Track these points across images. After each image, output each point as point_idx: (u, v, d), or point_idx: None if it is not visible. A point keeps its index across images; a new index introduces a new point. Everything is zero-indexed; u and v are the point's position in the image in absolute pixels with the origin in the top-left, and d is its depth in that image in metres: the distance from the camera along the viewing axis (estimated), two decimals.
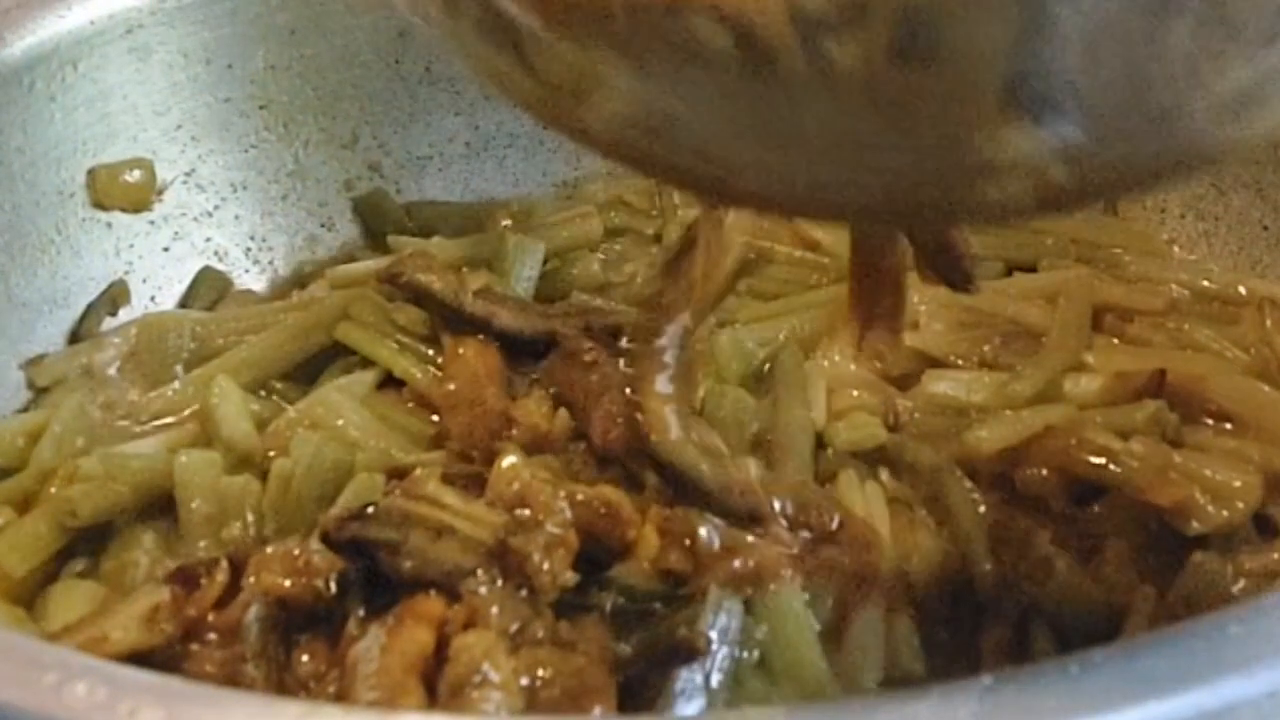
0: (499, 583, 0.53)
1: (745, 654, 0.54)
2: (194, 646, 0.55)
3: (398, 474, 0.62)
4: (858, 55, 0.42)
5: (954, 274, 0.60)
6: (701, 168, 0.47)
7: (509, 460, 0.59)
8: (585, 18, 0.44)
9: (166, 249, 0.82)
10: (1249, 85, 0.42)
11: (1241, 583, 0.58)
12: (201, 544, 0.62)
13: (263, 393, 0.72)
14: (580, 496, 0.57)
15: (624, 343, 0.68)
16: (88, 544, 0.64)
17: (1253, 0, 0.41)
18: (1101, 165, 0.45)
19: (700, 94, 0.45)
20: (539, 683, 0.51)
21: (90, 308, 0.79)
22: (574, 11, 0.45)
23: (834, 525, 0.59)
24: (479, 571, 0.53)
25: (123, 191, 0.80)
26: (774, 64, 0.43)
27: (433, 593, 0.53)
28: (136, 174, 0.81)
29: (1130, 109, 0.43)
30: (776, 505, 0.59)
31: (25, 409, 0.74)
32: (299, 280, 0.83)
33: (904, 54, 0.42)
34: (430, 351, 0.71)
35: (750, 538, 0.57)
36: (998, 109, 0.43)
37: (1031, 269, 0.77)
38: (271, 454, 0.66)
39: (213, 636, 0.55)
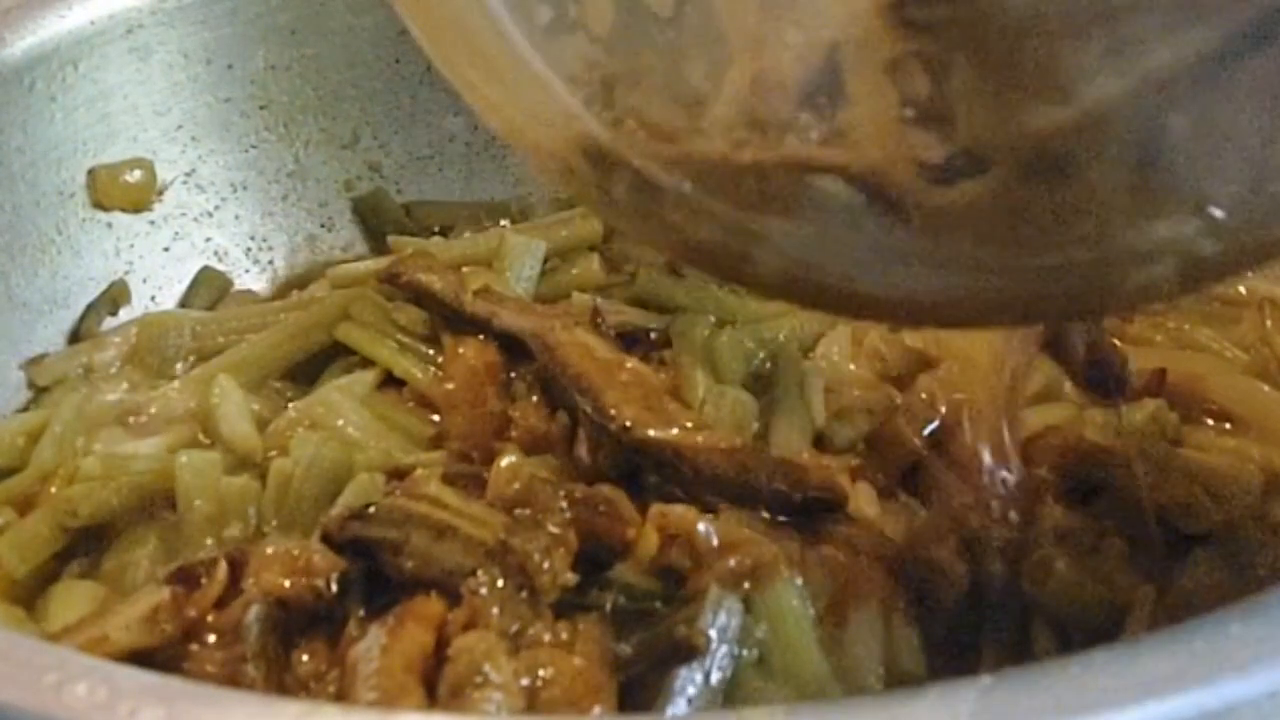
0: (499, 583, 0.53)
1: (745, 653, 0.54)
2: (194, 646, 0.55)
3: (398, 474, 0.62)
4: (985, 186, 0.44)
5: (1108, 384, 0.62)
6: (853, 292, 0.49)
7: (509, 460, 0.59)
8: (722, 179, 0.48)
9: (166, 249, 0.82)
10: None
11: (1242, 582, 0.58)
12: (202, 544, 0.62)
13: (263, 393, 0.72)
14: (580, 496, 0.57)
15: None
16: (88, 544, 0.64)
17: None
18: (1244, 237, 0.46)
19: (838, 234, 0.47)
20: (539, 683, 0.51)
21: (90, 308, 0.79)
22: (713, 174, 0.48)
23: (825, 491, 0.59)
24: (479, 572, 0.53)
25: (123, 191, 0.80)
26: (903, 207, 0.45)
27: (433, 593, 0.53)
28: (136, 174, 0.81)
29: (1263, 184, 0.44)
30: (764, 479, 0.59)
31: (25, 409, 0.74)
32: (299, 280, 0.83)
33: (1033, 174, 0.44)
34: (430, 351, 0.71)
35: (748, 530, 0.57)
36: (1134, 204, 0.44)
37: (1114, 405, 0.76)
38: (271, 454, 0.66)
39: (213, 636, 0.55)
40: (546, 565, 0.54)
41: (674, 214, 0.50)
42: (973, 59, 0.43)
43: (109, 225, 0.80)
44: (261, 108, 0.84)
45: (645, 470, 0.61)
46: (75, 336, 0.78)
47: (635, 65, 0.48)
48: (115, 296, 0.80)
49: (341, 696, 0.52)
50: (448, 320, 0.70)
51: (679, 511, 0.57)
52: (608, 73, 0.49)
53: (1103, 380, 0.65)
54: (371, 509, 0.56)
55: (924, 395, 0.66)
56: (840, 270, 0.49)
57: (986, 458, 0.62)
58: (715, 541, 0.56)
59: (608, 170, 0.50)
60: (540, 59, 0.50)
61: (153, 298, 0.81)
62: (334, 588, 0.55)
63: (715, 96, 0.47)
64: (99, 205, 0.80)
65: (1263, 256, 0.49)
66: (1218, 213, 0.44)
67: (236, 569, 0.56)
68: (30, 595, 0.63)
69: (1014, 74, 0.42)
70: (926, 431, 0.65)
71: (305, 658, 0.54)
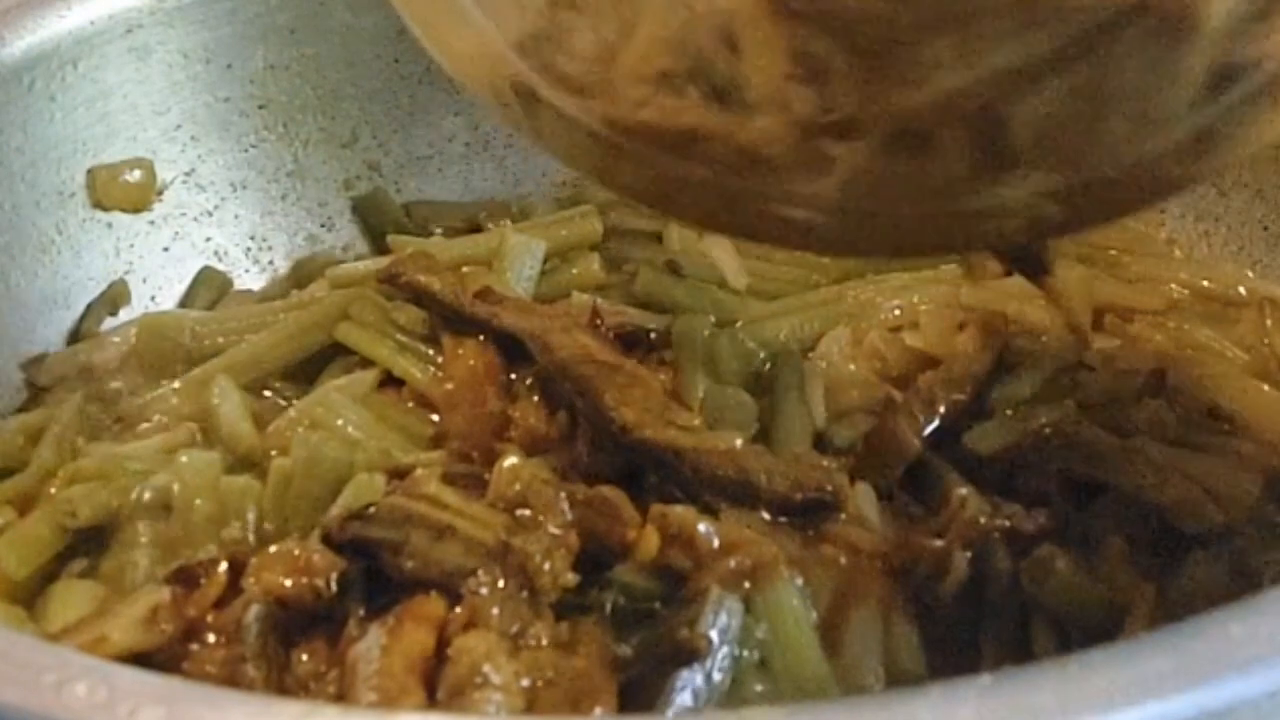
0: (500, 583, 0.53)
1: (745, 654, 0.54)
2: (194, 646, 0.55)
3: (398, 474, 0.62)
4: (857, 152, 0.51)
5: (1028, 262, 0.67)
6: (771, 224, 0.56)
7: (510, 461, 0.59)
8: (632, 128, 0.54)
9: (166, 249, 0.82)
10: (1193, 138, 0.51)
11: (1242, 582, 0.58)
12: (202, 544, 0.62)
13: (263, 393, 0.72)
14: (580, 497, 0.57)
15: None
16: (88, 544, 0.64)
17: (1167, 97, 0.50)
18: (1086, 202, 0.53)
19: (732, 180, 0.54)
20: (540, 684, 0.51)
21: (90, 308, 0.79)
22: (624, 123, 0.54)
23: (825, 492, 0.60)
24: (480, 572, 0.54)
25: (123, 191, 0.80)
26: (779, 164, 0.52)
27: (433, 593, 0.54)
28: (136, 174, 0.81)
29: (1093, 165, 0.51)
30: (765, 479, 0.59)
31: (25, 409, 0.74)
32: (299, 280, 0.83)
33: (896, 144, 0.51)
34: (430, 351, 0.71)
35: (748, 530, 0.57)
36: (979, 174, 0.51)
37: (1040, 284, 0.77)
38: (272, 454, 0.66)
39: (213, 636, 0.55)
40: (547, 566, 0.54)
41: (597, 150, 0.55)
42: (845, 46, 0.49)
43: (109, 225, 0.80)
44: (261, 107, 0.84)
45: (645, 471, 0.61)
46: (75, 336, 0.78)
47: (557, 21, 0.53)
48: (115, 296, 0.80)
49: (341, 696, 0.52)
50: (447, 320, 0.70)
51: (679, 512, 0.57)
52: (533, 25, 0.54)
53: (1025, 258, 0.69)
54: (371, 509, 0.56)
55: (924, 395, 0.66)
56: (750, 208, 0.55)
57: None
58: (716, 542, 0.56)
59: (536, 107, 0.55)
60: (478, 10, 0.55)
61: (153, 298, 0.81)
62: (334, 588, 0.55)
63: (623, 51, 0.52)
64: (99, 205, 0.80)
65: (1108, 217, 0.57)
66: (1051, 184, 0.51)
67: (236, 569, 0.56)
68: (30, 595, 0.62)
69: (879, 61, 0.49)
70: (926, 431, 0.65)
71: (305, 658, 0.54)
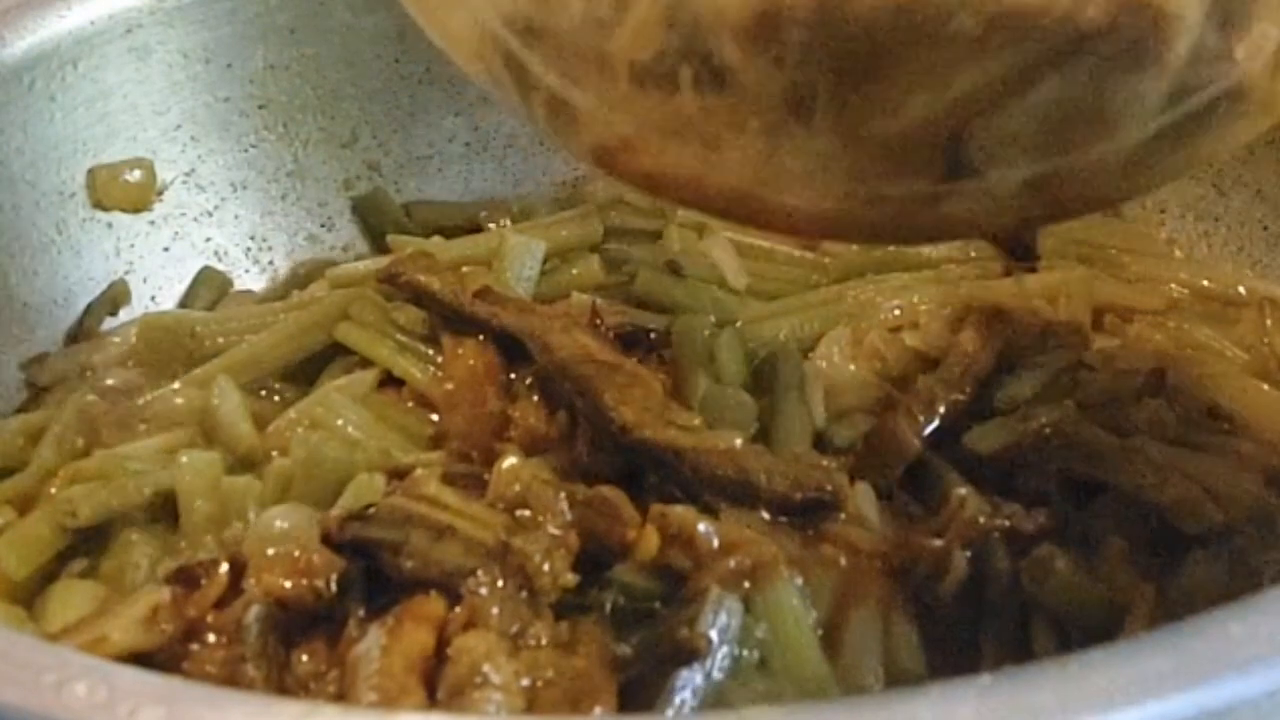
0: (500, 583, 0.53)
1: (745, 653, 0.54)
2: (194, 646, 0.55)
3: (398, 474, 0.62)
4: (823, 145, 0.53)
5: (1016, 245, 0.70)
6: (758, 204, 0.56)
7: (510, 461, 0.59)
8: (615, 98, 0.55)
9: (166, 249, 0.82)
10: (1144, 147, 0.53)
11: (1242, 582, 0.58)
12: (203, 544, 0.62)
13: (263, 393, 0.72)
14: (580, 497, 0.57)
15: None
16: (88, 544, 0.64)
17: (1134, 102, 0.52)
18: (1039, 202, 0.55)
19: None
20: (540, 684, 0.51)
21: (90, 308, 0.79)
22: (607, 93, 0.55)
23: (825, 491, 0.60)
24: (480, 572, 0.54)
25: (123, 191, 0.80)
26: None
27: (433, 593, 0.54)
28: (136, 174, 0.81)
29: (1048, 173, 0.53)
30: (764, 479, 0.59)
31: (25, 409, 0.74)
32: (299, 280, 0.83)
33: (869, 145, 0.53)
34: (430, 351, 0.71)
35: (748, 529, 0.57)
36: (941, 177, 0.53)
37: (1031, 269, 0.77)
38: (272, 454, 0.66)
39: (213, 636, 0.55)
40: (547, 566, 0.54)
41: (588, 126, 0.56)
42: (826, 69, 0.51)
43: (109, 225, 0.80)
44: (260, 107, 0.84)
45: (645, 471, 0.61)
46: (75, 336, 0.78)
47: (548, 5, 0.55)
48: (115, 296, 0.80)
49: (341, 696, 0.52)
50: (447, 320, 0.70)
51: (679, 511, 0.57)
52: (526, 2, 0.55)
53: (1016, 244, 0.73)
54: (371, 509, 0.56)
55: (924, 395, 0.66)
56: (733, 184, 0.55)
57: None
58: (715, 542, 0.56)
59: (527, 83, 0.56)
60: None
61: (153, 298, 0.81)
62: (334, 588, 0.55)
63: (619, 24, 0.53)
64: (99, 205, 0.80)
65: (1070, 215, 0.63)
66: (1011, 187, 0.53)
67: (236, 569, 0.56)
68: (30, 595, 0.62)
69: (856, 82, 0.52)
70: (926, 431, 0.65)
71: (305, 658, 0.54)
